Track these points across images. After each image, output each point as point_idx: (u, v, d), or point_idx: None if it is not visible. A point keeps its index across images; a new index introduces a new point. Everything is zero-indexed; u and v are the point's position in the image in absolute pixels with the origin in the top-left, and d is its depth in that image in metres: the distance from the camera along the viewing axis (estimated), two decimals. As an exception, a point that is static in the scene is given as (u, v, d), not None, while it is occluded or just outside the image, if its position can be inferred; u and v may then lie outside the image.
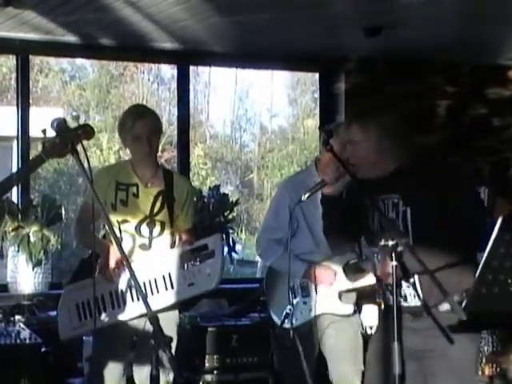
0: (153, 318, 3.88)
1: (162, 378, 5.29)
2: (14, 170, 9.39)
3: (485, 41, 8.60)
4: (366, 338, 6.92)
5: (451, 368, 5.08)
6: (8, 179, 4.77)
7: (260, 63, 9.98)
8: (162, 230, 6.35)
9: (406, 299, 5.04)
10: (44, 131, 4.32)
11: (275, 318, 6.86)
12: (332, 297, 6.61)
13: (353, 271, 6.58)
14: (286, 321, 6.46)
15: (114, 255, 6.07)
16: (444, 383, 5.15)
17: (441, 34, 8.25)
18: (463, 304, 4.29)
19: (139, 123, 6.34)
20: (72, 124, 4.34)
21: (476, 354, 5.52)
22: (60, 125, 4.25)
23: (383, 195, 5.25)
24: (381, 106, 5.95)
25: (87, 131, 4.31)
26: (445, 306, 4.79)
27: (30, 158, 8.49)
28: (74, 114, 4.34)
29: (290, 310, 6.43)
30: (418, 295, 4.97)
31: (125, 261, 4.54)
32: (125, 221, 6.21)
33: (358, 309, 6.96)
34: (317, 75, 9.85)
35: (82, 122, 4.51)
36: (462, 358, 5.12)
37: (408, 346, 4.78)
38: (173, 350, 5.81)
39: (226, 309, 8.19)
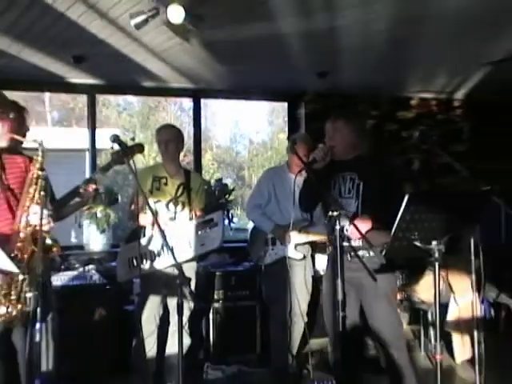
0: (178, 266, 4.16)
1: (186, 306, 5.74)
2: (87, 171, 9.58)
3: (394, 81, 8.67)
4: (318, 277, 7.25)
5: (380, 293, 5.37)
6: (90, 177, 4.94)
7: (248, 96, 9.94)
8: (183, 208, 6.65)
9: (349, 241, 5.23)
10: (112, 147, 4.58)
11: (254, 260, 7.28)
12: (291, 247, 6.84)
13: (303, 232, 6.88)
14: (260, 260, 7.01)
15: (142, 219, 6.30)
16: (375, 304, 5.44)
17: (366, 77, 8.29)
18: (383, 252, 4.75)
19: (160, 132, 6.79)
20: (127, 140, 4.78)
21: (395, 285, 5.82)
22: (118, 140, 4.47)
23: (346, 172, 5.55)
24: (356, 113, 6.44)
25: (140, 148, 4.63)
26: (371, 254, 5.26)
27: (97, 163, 8.57)
28: (131, 136, 4.68)
29: (263, 253, 6.97)
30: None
31: (157, 226, 4.75)
32: (158, 201, 6.52)
33: (312, 256, 7.22)
34: (286, 104, 9.68)
35: (136, 141, 4.94)
36: (387, 286, 5.44)
37: (348, 280, 4.84)
38: (192, 287, 6.42)
39: (227, 260, 8.28)
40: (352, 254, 5.35)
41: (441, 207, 4.37)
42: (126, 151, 4.51)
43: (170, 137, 6.79)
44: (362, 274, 5.23)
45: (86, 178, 4.85)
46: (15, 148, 4.58)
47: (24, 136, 4.96)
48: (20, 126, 4.84)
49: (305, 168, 5.88)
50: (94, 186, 4.75)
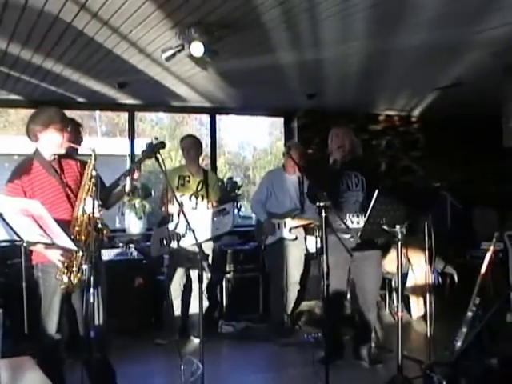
0: (199, 245, 4.09)
1: (204, 276, 5.61)
2: None
3: (366, 101, 8.63)
4: (309, 256, 7.39)
5: (371, 262, 5.64)
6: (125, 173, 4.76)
7: (253, 112, 9.83)
8: (202, 200, 6.77)
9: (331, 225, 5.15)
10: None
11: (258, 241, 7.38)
12: (286, 230, 6.90)
13: (296, 218, 6.92)
14: (263, 240, 7.07)
15: (170, 209, 6.52)
16: (368, 271, 5.65)
17: (345, 98, 8.24)
18: (359, 234, 4.80)
19: (184, 141, 6.97)
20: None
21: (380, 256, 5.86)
22: (148, 143, 4.41)
23: (350, 170, 5.66)
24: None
25: (162, 144, 4.43)
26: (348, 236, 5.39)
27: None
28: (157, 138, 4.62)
29: (265, 236, 7.01)
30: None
31: (183, 213, 4.79)
32: (183, 194, 6.59)
33: (304, 238, 7.22)
34: (282, 119, 9.65)
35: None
36: (377, 256, 5.72)
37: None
38: (209, 261, 6.44)
39: (236, 240, 8.26)
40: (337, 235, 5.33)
41: (403, 199, 4.46)
42: (150, 148, 4.44)
43: (191, 144, 6.95)
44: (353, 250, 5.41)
45: (124, 171, 4.75)
46: (71, 154, 4.62)
47: (79, 145, 5.05)
48: (76, 137, 4.92)
49: (299, 168, 6.02)
50: (134, 176, 4.74)
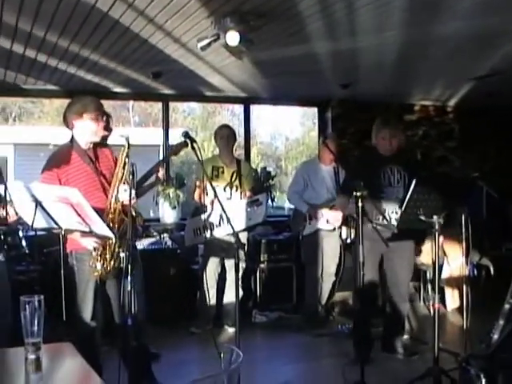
0: (235, 234, 4.19)
1: (240, 265, 5.52)
2: None
3: (401, 91, 8.60)
4: (343, 246, 7.34)
5: (405, 253, 5.64)
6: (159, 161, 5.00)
7: (285, 102, 9.80)
8: (236, 190, 6.78)
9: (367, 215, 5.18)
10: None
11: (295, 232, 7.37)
12: (323, 221, 6.84)
13: (333, 209, 6.64)
14: (299, 232, 7.09)
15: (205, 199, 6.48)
16: (401, 262, 5.65)
17: (379, 87, 8.17)
18: (396, 224, 4.90)
19: (219, 131, 6.96)
20: (192, 134, 4.77)
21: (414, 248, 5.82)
22: (187, 135, 4.45)
23: (393, 165, 5.56)
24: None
25: (185, 144, 4.63)
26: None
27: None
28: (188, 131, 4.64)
29: (302, 227, 7.02)
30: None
31: (219, 203, 4.60)
32: (217, 185, 6.50)
33: (339, 228, 7.13)
34: (316, 109, 9.61)
35: (197, 138, 4.98)
36: (410, 247, 5.70)
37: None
38: (245, 250, 6.44)
39: (270, 231, 8.20)
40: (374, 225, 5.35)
41: (440, 189, 4.44)
42: (175, 147, 4.67)
43: (227, 134, 6.90)
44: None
45: (156, 163, 4.93)
46: (105, 143, 4.68)
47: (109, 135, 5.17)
48: (106, 128, 4.96)
49: (335, 159, 5.98)
50: (161, 169, 4.80)
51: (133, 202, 4.07)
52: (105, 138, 4.97)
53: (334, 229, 6.99)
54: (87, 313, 4.44)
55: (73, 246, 4.39)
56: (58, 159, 4.40)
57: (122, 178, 4.19)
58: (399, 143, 5.60)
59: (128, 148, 4.16)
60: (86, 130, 4.41)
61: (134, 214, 4.21)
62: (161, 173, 4.82)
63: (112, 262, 4.27)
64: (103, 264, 4.27)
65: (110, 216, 4.22)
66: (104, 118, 4.62)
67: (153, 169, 4.85)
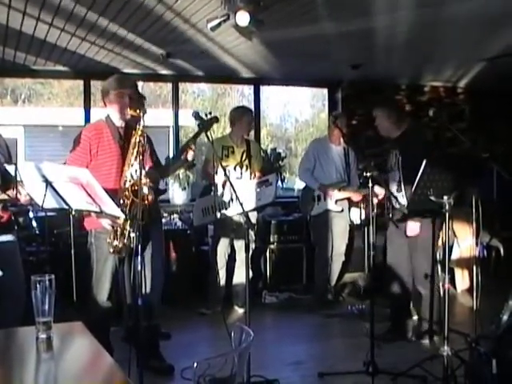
0: (245, 214, 4.23)
1: (250, 246, 5.41)
2: (171, 144, 9.81)
3: (412, 72, 8.57)
4: (352, 227, 7.35)
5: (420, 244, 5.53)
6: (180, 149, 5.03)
7: (295, 83, 9.77)
8: (246, 170, 6.76)
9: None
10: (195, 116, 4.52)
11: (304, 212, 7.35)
12: (332, 201, 6.88)
13: (342, 190, 6.90)
14: (308, 212, 7.08)
15: (216, 178, 6.32)
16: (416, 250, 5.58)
17: (390, 68, 8.17)
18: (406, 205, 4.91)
19: (246, 116, 6.84)
20: (202, 115, 4.65)
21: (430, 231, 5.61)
22: (198, 115, 4.47)
23: (393, 148, 5.60)
24: (388, 100, 6.38)
25: (216, 119, 4.60)
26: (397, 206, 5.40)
27: (180, 137, 8.76)
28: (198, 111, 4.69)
29: (311, 207, 7.01)
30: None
31: (229, 183, 4.76)
32: (227, 165, 6.56)
33: (348, 209, 7.16)
34: (326, 90, 9.52)
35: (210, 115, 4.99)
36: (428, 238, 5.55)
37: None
38: (255, 231, 6.43)
39: (280, 211, 8.23)
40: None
41: (450, 170, 4.39)
42: (207, 122, 4.52)
43: (252, 119, 6.99)
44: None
45: (182, 145, 5.02)
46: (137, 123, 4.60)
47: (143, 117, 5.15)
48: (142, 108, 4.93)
49: (344, 139, 5.96)
50: (190, 150, 4.82)
51: (146, 180, 4.18)
52: (138, 119, 4.95)
53: (343, 210, 7.01)
54: (103, 292, 4.52)
55: (92, 225, 4.49)
56: (94, 129, 4.55)
57: (136, 156, 4.20)
58: (384, 129, 5.64)
59: (143, 127, 4.19)
60: (120, 108, 4.52)
61: (145, 191, 4.20)
62: (190, 154, 4.84)
63: (123, 239, 4.33)
64: (119, 241, 4.34)
65: (126, 193, 4.29)
66: (138, 98, 4.74)
67: (182, 148, 4.91)
